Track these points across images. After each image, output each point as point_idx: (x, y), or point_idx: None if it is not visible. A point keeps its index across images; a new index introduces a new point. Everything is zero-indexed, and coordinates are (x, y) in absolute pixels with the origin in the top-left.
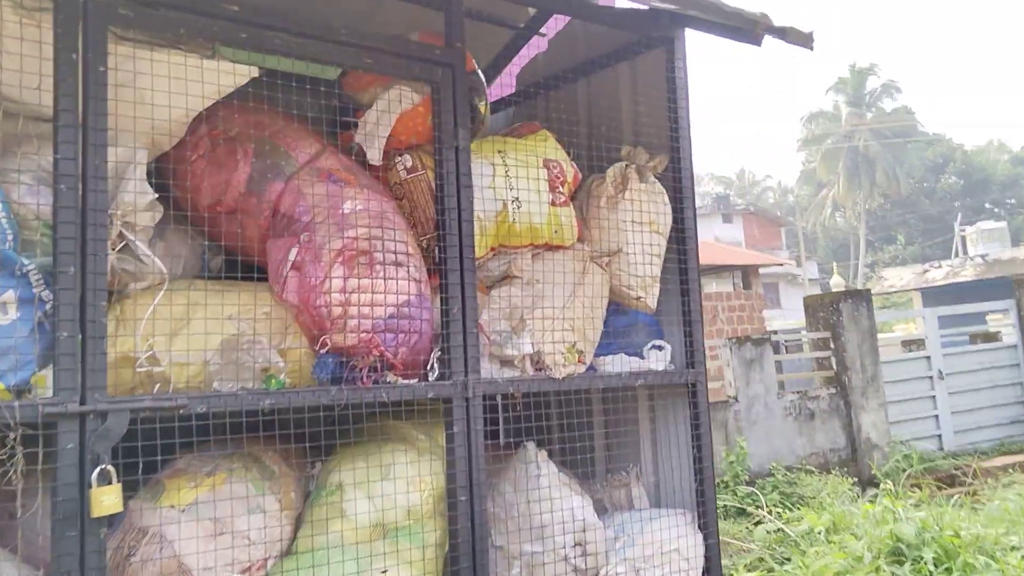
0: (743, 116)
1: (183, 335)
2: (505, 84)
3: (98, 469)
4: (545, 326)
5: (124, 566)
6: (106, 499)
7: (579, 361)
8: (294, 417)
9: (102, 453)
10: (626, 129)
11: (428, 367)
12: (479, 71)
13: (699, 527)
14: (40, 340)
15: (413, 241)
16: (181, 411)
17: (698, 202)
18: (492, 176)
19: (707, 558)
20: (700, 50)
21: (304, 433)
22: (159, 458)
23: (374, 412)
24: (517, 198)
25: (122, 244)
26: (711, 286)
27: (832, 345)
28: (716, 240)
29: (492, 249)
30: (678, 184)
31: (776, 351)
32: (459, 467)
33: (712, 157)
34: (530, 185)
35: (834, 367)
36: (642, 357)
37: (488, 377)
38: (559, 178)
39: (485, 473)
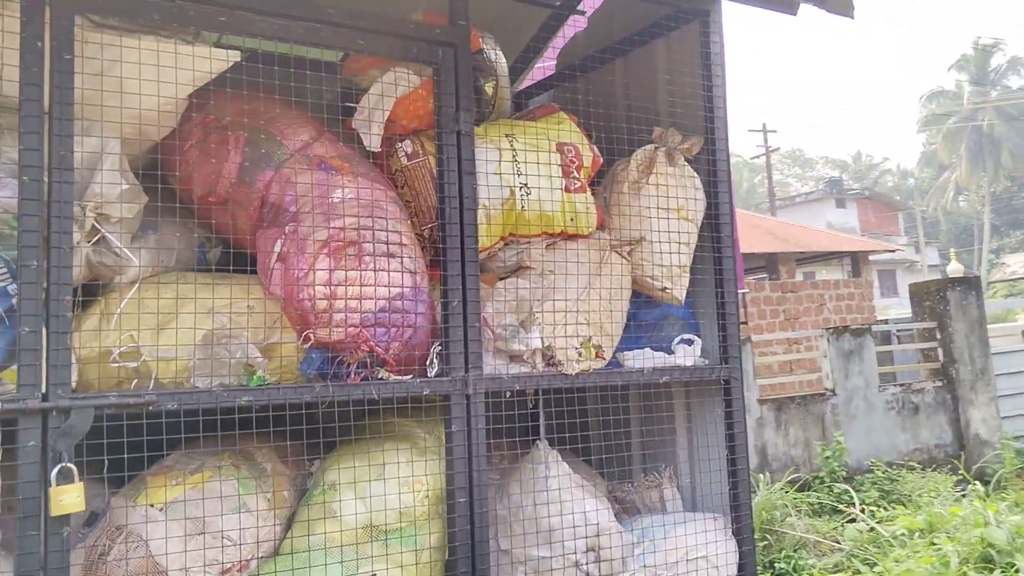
0: (860, 97)
1: (169, 329)
2: (545, 66)
3: (57, 467)
4: (557, 319)
5: (99, 565)
6: (65, 498)
7: (596, 356)
8: (294, 413)
9: (64, 451)
10: (662, 110)
11: (428, 363)
12: (490, 50)
13: (733, 533)
14: (6, 334)
15: (409, 231)
16: (150, 408)
17: (810, 186)
18: (498, 161)
19: (741, 566)
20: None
21: (304, 430)
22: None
23: (376, 409)
24: (526, 184)
25: (97, 237)
26: (820, 273)
27: (938, 335)
28: (828, 226)
29: (502, 238)
30: (713, 167)
31: (887, 341)
32: (458, 467)
33: (827, 140)
34: (540, 170)
35: (940, 359)
36: (670, 352)
37: (492, 373)
38: (574, 163)
39: (486, 474)
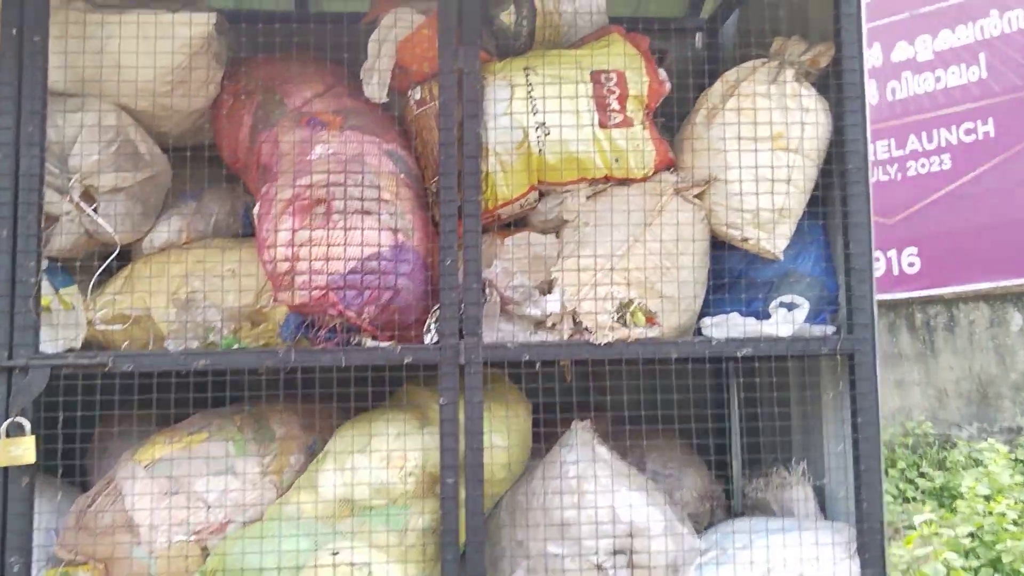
0: None
1: (165, 293)
2: None
3: (8, 421)
4: (583, 279)
5: (85, 513)
6: (13, 450)
7: (649, 322)
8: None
9: (20, 406)
10: (813, 20)
11: (425, 329)
12: None
13: (857, 551)
14: None
15: (394, 186)
16: (105, 369)
17: None
18: (508, 100)
19: None
20: None
21: (316, 395)
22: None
23: (406, 377)
24: (543, 123)
25: (95, 206)
26: None
27: None
28: None
29: (532, 188)
30: (839, 82)
31: None
32: (447, 444)
33: None
34: (565, 105)
35: None
36: (767, 317)
37: (494, 341)
38: (613, 92)
39: (481, 453)
